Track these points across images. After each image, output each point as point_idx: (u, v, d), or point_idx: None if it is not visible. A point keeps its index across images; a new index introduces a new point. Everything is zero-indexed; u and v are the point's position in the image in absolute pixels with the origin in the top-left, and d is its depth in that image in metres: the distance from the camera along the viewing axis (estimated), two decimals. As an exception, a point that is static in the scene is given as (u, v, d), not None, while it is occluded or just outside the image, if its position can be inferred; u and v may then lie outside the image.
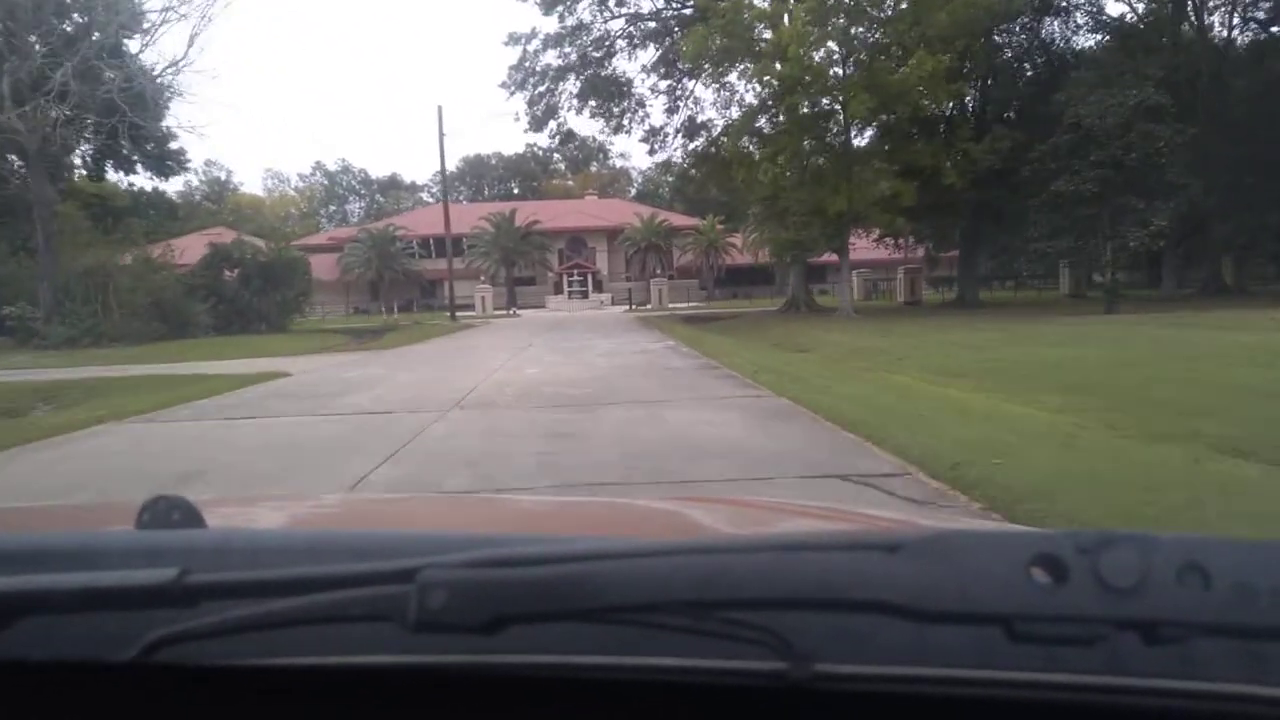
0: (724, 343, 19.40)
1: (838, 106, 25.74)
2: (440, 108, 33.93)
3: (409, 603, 0.51)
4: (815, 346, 19.25)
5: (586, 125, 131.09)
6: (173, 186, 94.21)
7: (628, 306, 48.56)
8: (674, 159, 38.91)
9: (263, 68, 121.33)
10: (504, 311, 47.19)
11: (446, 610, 0.51)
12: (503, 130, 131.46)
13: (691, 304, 48.88)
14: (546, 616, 0.52)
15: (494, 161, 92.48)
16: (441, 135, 34.11)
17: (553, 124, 33.26)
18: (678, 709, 0.60)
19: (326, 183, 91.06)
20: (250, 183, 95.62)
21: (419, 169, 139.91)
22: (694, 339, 20.72)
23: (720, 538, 1.12)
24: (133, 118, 27.16)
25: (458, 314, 48.70)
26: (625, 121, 37.80)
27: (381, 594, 0.53)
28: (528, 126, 32.90)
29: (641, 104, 38.07)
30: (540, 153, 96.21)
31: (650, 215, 60.54)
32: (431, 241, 62.87)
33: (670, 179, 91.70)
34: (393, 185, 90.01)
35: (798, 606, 0.51)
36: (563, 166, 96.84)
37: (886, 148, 27.17)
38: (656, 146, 38.96)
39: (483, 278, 50.90)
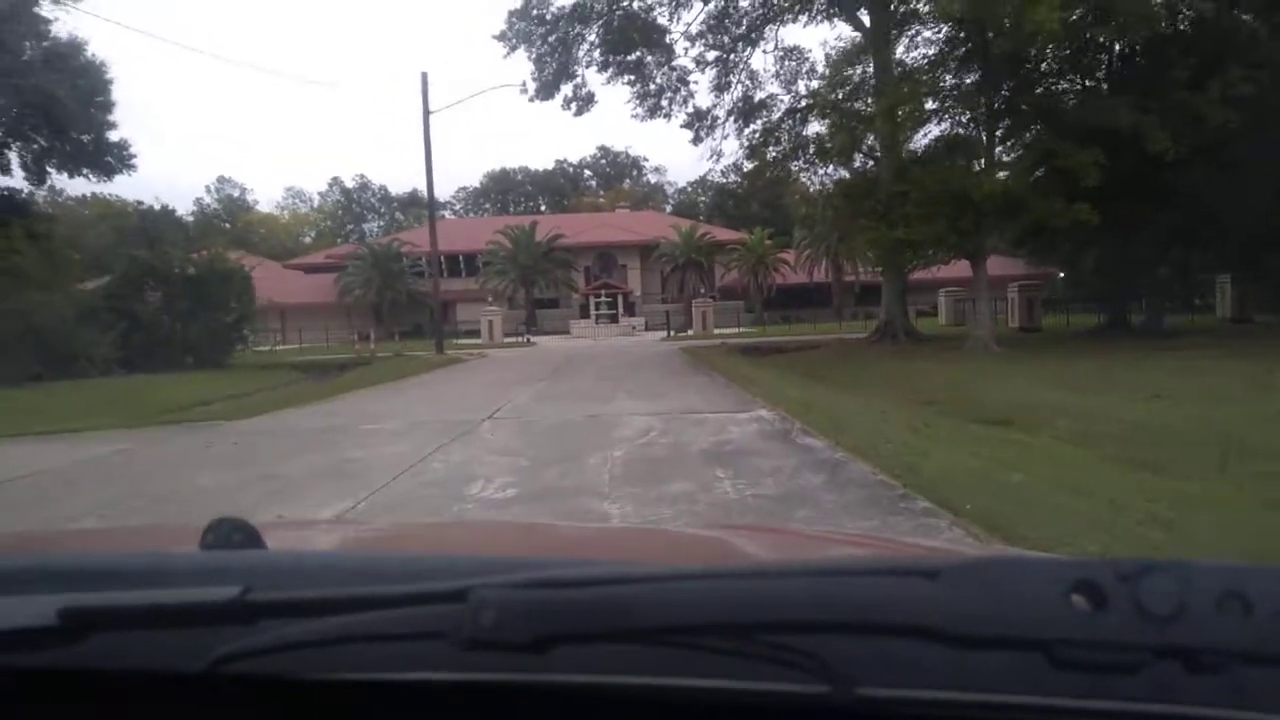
0: (851, 408, 10.13)
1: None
2: (425, 74, 25.23)
3: (461, 621, 0.52)
4: (1016, 412, 9.90)
5: (613, 98, 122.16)
6: (183, 206, 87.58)
7: (665, 333, 39.29)
8: (724, 152, 29.73)
9: (277, 81, 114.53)
10: (516, 339, 38.12)
11: (497, 629, 0.51)
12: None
13: (740, 329, 39.49)
14: (593, 637, 0.53)
15: (520, 177, 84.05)
16: (426, 110, 25.29)
17: (567, 88, 24.29)
18: None
19: (344, 200, 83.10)
20: (271, 202, 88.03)
21: (441, 185, 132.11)
22: (783, 392, 11.57)
23: (762, 563, 1.08)
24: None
25: (463, 341, 40.08)
26: (664, 103, 28.82)
27: (434, 613, 0.54)
28: (534, 94, 24.11)
29: (684, 80, 29.09)
30: (570, 169, 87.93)
31: (690, 228, 51.38)
32: (443, 260, 54.32)
33: (707, 195, 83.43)
34: (413, 202, 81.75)
35: (840, 631, 0.51)
36: (594, 184, 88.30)
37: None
38: (703, 133, 29.88)
39: (491, 299, 42.16)
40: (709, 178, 58.05)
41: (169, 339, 25.14)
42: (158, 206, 78.00)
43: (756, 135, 29.71)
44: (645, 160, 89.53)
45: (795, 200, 67.33)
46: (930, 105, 18.33)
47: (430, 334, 48.03)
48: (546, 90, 24.01)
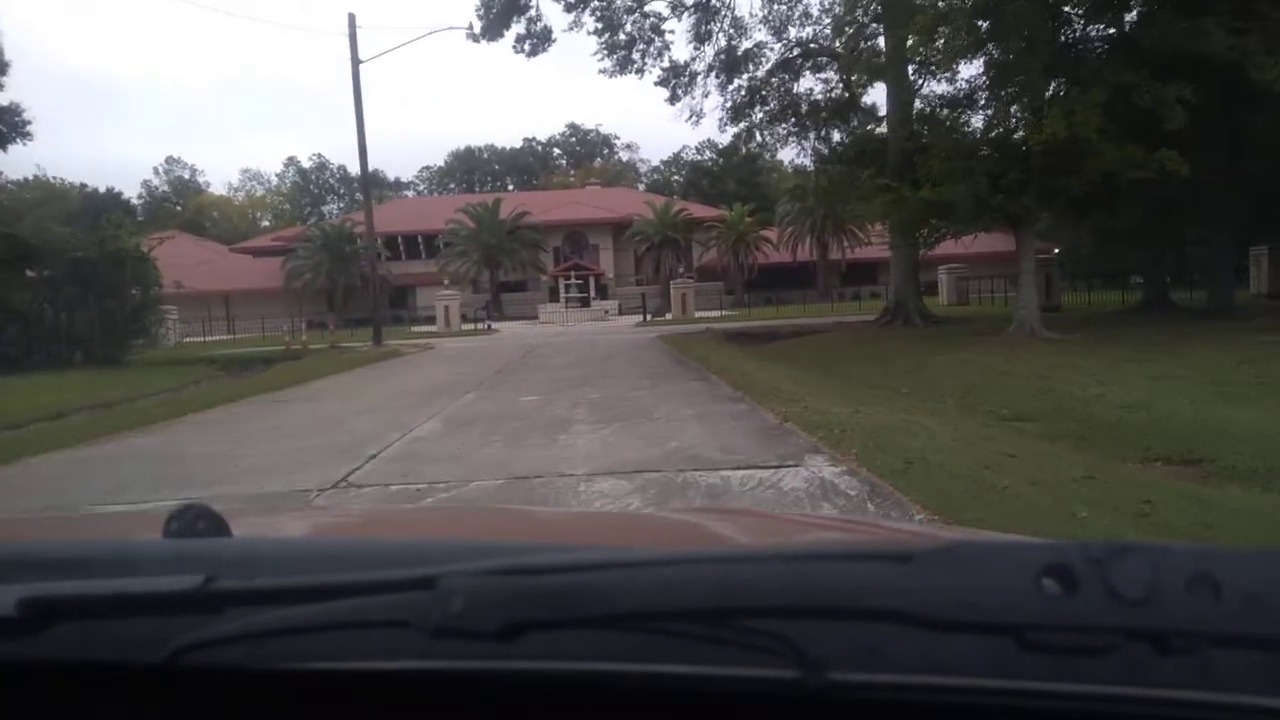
0: (956, 449, 6.09)
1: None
2: (352, 15, 20.90)
3: (429, 609, 0.51)
4: (1220, 449, 6.00)
5: (580, 68, 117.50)
6: (130, 188, 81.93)
7: (641, 317, 35.29)
8: (703, 112, 25.67)
9: (233, 58, 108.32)
10: (474, 325, 33.98)
11: (465, 616, 0.50)
12: (494, 124, 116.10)
13: (723, 312, 35.50)
14: (564, 624, 0.52)
15: (486, 155, 79.39)
16: (355, 58, 21.00)
17: (519, 23, 20.05)
18: (692, 717, 0.59)
19: (300, 181, 78.05)
20: (228, 185, 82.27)
21: (404, 164, 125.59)
22: (822, 408, 7.56)
23: (735, 547, 1.06)
24: None
25: (419, 329, 35.79)
26: (636, 55, 24.75)
27: (402, 600, 0.53)
28: (480, 33, 19.87)
29: (659, 30, 25.02)
30: (539, 147, 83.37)
31: (665, 204, 47.30)
32: (401, 240, 49.81)
33: (681, 174, 79.08)
34: (375, 182, 76.87)
35: (812, 615, 0.51)
36: (564, 162, 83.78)
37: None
38: (680, 90, 25.85)
39: (446, 282, 37.70)
40: (686, 148, 53.79)
41: (52, 332, 20.89)
42: (102, 190, 73.21)
43: (741, 93, 25.75)
44: (617, 138, 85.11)
45: (778, 175, 63.66)
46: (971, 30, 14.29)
47: (391, 321, 43.80)
48: (494, 27, 19.79)
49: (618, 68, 24.49)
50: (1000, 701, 0.50)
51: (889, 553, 0.53)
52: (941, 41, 14.89)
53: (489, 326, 34.04)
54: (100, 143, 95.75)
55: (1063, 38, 15.60)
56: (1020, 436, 7.08)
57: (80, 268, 20.63)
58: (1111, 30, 16.11)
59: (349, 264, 45.01)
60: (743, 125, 26.49)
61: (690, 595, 0.50)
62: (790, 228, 47.36)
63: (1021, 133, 15.55)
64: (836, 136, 25.81)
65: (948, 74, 16.65)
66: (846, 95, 24.83)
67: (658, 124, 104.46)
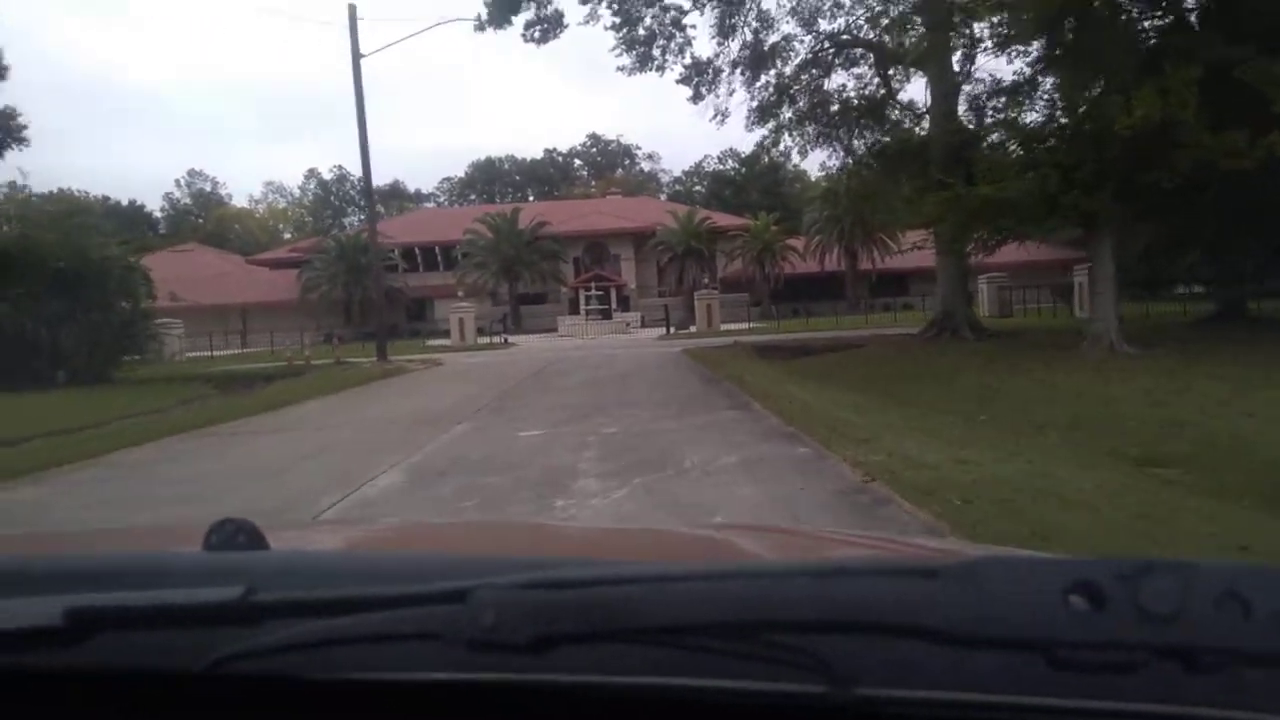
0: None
1: None
2: (352, 7, 19.28)
3: (461, 622, 0.52)
4: None
5: (598, 78, 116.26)
6: (153, 200, 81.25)
7: (664, 330, 33.45)
8: (728, 111, 23.83)
9: (256, 70, 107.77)
10: (490, 339, 32.27)
11: (497, 629, 0.51)
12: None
13: (751, 325, 33.53)
14: (593, 637, 0.52)
15: (507, 166, 78.01)
16: (356, 52, 19.38)
17: (528, 8, 18.31)
18: None
19: (321, 193, 77.04)
20: (251, 197, 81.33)
21: (425, 175, 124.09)
22: (911, 452, 5.59)
23: (763, 562, 1.06)
24: None
25: (434, 342, 34.10)
26: (656, 51, 22.97)
27: (435, 613, 0.54)
28: (487, 20, 18.14)
29: (679, 24, 23.24)
30: (560, 158, 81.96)
31: (688, 213, 45.49)
32: (419, 252, 48.31)
33: (703, 184, 77.21)
34: (395, 194, 75.86)
35: (839, 630, 0.51)
36: (585, 173, 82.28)
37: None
38: (704, 88, 24.05)
39: (461, 293, 36.08)
40: (709, 158, 51.73)
41: (35, 349, 19.37)
42: (124, 203, 72.58)
43: (769, 91, 23.91)
44: (638, 149, 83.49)
45: (801, 186, 61.57)
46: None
47: (408, 334, 42.17)
48: (501, 13, 18.06)
49: (637, 65, 22.71)
50: (1029, 718, 0.50)
51: (916, 569, 0.54)
52: (1005, 14, 12.97)
53: (505, 340, 32.29)
54: (123, 155, 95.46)
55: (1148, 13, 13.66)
56: (1180, 493, 5.15)
57: (61, 279, 19.13)
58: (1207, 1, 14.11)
59: (364, 275, 43.44)
60: (770, 126, 24.63)
61: (718, 609, 0.51)
62: (817, 237, 45.40)
63: (1091, 123, 13.59)
64: (870, 137, 23.98)
65: (1019, 47, 14.66)
66: (883, 91, 22.96)
67: (679, 134, 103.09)
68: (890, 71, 22.62)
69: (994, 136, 14.90)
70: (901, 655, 0.50)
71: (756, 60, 23.79)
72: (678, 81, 23.98)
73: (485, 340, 31.73)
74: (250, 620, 0.57)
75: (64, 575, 0.70)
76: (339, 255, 43.90)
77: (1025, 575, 0.50)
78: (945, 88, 19.50)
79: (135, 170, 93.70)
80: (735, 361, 15.52)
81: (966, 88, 19.67)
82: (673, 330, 33.20)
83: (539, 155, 79.64)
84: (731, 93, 24.42)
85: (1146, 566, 0.46)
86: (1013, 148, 13.55)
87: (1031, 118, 15.65)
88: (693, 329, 33.30)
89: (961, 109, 19.13)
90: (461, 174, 77.80)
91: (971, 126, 18.45)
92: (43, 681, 0.65)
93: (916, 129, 21.20)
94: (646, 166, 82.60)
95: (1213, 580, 0.46)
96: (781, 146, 25.31)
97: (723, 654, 0.51)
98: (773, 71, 24.02)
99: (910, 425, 7.55)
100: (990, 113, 16.06)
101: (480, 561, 0.75)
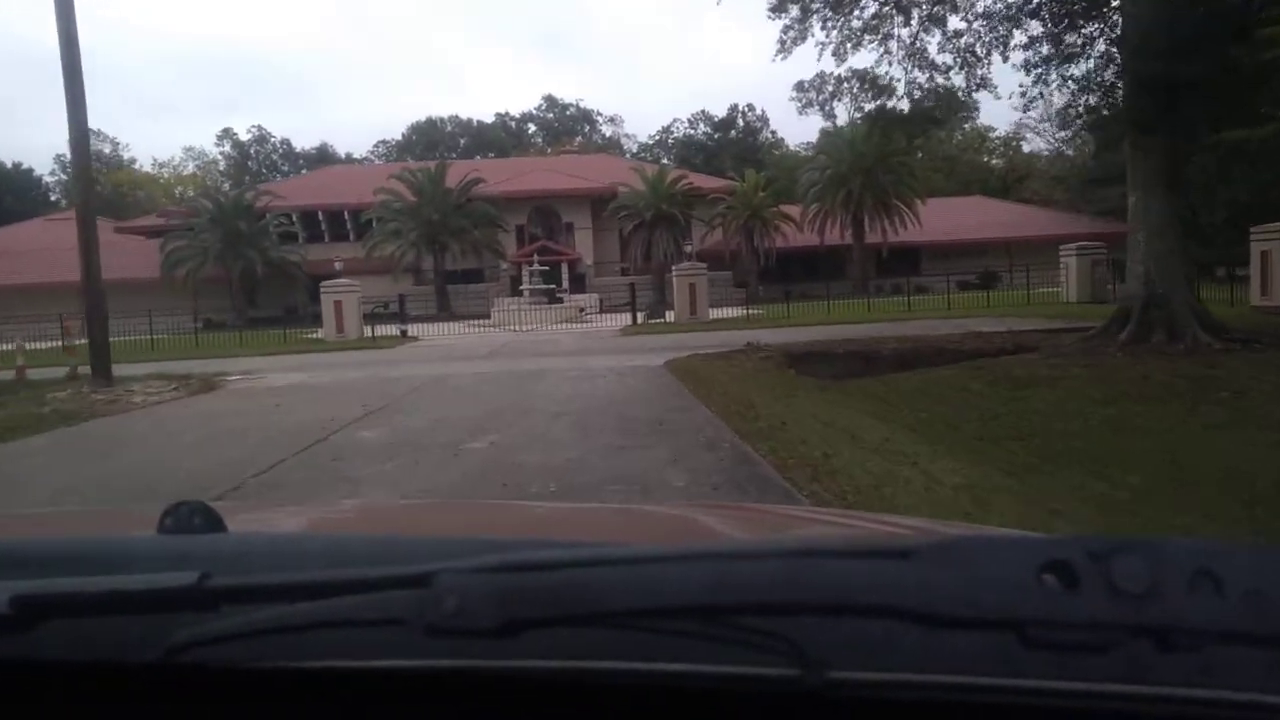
0: None
1: None
2: None
3: (424, 607, 0.50)
4: None
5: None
6: (43, 164, 69.39)
7: (630, 318, 23.85)
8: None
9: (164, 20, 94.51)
10: (389, 330, 22.32)
11: (461, 614, 0.49)
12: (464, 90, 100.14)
13: (749, 312, 23.79)
14: (560, 621, 0.50)
15: (451, 128, 67.46)
16: None
17: None
18: (690, 714, 0.57)
19: (237, 155, 65.90)
20: (161, 161, 69.52)
21: (358, 139, 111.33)
22: None
23: (733, 544, 1.00)
24: None
25: (309, 334, 24.08)
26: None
27: (397, 598, 0.52)
28: None
29: None
30: (512, 122, 71.51)
31: (659, 172, 35.88)
32: (323, 217, 37.94)
33: (670, 153, 67.43)
34: (323, 158, 64.98)
35: (810, 612, 0.49)
36: (540, 139, 71.93)
37: None
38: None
39: (339, 266, 26.32)
40: (678, 121, 41.22)
41: None
42: (9, 164, 60.61)
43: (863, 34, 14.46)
44: (599, 114, 73.43)
45: (780, 153, 51.92)
46: None
47: (310, 319, 31.54)
48: None
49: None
50: (1002, 699, 0.49)
51: (889, 549, 0.53)
52: None
53: (402, 333, 22.39)
54: (26, 118, 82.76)
55: None
56: None
57: None
58: None
59: (248, 246, 33.32)
60: (793, 13, 15.09)
61: (688, 592, 0.49)
62: (815, 204, 36.16)
63: None
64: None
65: None
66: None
67: (644, 101, 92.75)
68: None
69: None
70: (875, 636, 0.49)
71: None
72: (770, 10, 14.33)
73: (370, 335, 21.82)
74: (207, 606, 0.54)
75: (10, 560, 0.65)
76: (213, 219, 33.49)
77: (998, 555, 0.49)
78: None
79: (42, 132, 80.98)
80: (768, 389, 6.46)
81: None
82: (641, 319, 23.68)
83: (489, 119, 69.36)
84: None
85: (1119, 545, 0.46)
86: None
87: None
88: (668, 317, 23.81)
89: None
90: (399, 136, 67.16)
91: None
92: None
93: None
94: (608, 131, 72.61)
95: (1185, 559, 0.45)
96: (811, 43, 15.72)
97: (693, 637, 0.50)
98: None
99: None
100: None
101: (445, 543, 0.70)
